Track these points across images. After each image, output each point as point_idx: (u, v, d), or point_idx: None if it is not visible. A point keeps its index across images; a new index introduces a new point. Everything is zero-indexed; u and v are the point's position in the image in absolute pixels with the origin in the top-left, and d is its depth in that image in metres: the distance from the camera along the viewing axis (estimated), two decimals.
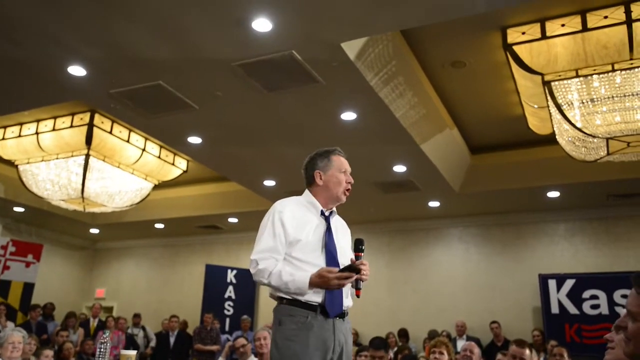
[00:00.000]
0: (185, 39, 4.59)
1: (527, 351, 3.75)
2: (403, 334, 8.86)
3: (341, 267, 2.41)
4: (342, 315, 2.41)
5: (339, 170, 2.54)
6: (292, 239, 2.39)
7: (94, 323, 9.51)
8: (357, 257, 2.45)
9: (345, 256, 2.48)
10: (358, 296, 2.45)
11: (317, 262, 2.39)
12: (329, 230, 2.48)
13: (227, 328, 10.06)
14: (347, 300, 2.44)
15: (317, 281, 2.26)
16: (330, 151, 2.59)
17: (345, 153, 2.66)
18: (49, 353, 5.35)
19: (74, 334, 8.90)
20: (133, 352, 2.90)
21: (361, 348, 5.45)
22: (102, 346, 2.91)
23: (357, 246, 2.47)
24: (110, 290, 12.62)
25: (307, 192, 2.60)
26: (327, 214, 2.53)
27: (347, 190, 2.56)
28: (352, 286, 2.46)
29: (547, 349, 7.17)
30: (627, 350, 1.43)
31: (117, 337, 8.60)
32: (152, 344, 9.47)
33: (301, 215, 2.46)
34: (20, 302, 9.31)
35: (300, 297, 2.33)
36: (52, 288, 11.15)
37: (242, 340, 5.11)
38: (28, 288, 9.46)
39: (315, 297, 2.33)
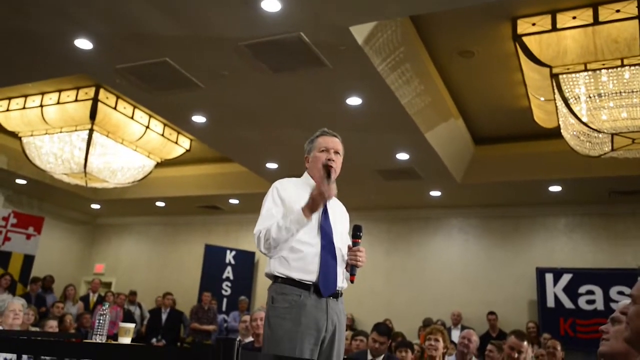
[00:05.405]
0: (193, 16, 4.56)
1: (526, 343, 3.76)
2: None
3: (336, 250, 2.43)
4: (336, 295, 2.43)
5: (319, 149, 2.57)
6: (289, 212, 2.43)
7: (93, 298, 9.59)
8: (355, 244, 2.47)
9: (342, 240, 2.50)
10: (352, 282, 2.48)
11: (314, 242, 2.41)
12: (324, 211, 2.50)
13: (224, 308, 10.14)
14: (342, 281, 2.46)
15: (308, 204, 2.35)
16: (316, 135, 2.66)
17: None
18: (53, 324, 5.46)
19: (73, 306, 8.96)
20: (132, 325, 2.93)
21: (357, 332, 5.50)
22: (101, 318, 2.94)
23: (355, 232, 2.49)
24: (109, 266, 12.69)
25: (305, 173, 2.68)
26: None
27: (326, 166, 2.51)
28: (347, 270, 2.48)
29: (541, 341, 7.24)
30: (626, 335, 1.46)
31: (115, 312, 8.68)
32: (146, 321, 9.54)
33: (297, 193, 2.50)
34: (20, 274, 9.40)
35: (294, 276, 2.35)
36: (52, 261, 11.21)
37: (248, 317, 5.18)
38: (28, 260, 9.55)
39: (309, 276, 2.35)
